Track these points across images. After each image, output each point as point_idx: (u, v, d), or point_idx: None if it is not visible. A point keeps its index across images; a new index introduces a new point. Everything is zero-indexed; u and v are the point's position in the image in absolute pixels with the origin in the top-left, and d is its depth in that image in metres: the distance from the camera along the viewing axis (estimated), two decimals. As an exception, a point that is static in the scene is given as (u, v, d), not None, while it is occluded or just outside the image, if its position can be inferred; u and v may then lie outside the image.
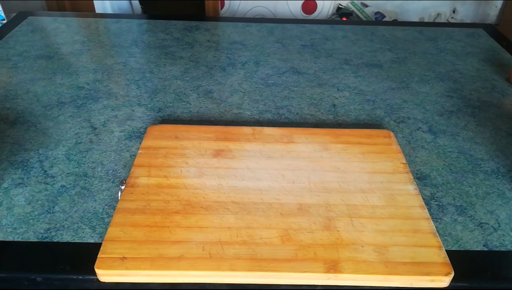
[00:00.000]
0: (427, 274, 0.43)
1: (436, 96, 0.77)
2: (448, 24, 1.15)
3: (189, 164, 0.56)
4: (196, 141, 0.60)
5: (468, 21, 1.95)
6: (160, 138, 0.60)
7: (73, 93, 0.74)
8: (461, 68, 0.86)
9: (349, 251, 0.45)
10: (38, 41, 0.92)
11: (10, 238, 0.48)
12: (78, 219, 0.50)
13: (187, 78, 0.80)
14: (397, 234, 0.47)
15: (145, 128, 0.65)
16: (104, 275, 0.43)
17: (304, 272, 0.43)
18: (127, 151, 0.61)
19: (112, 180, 0.56)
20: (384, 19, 1.92)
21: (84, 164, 0.58)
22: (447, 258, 0.44)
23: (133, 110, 0.70)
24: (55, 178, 0.56)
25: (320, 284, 0.44)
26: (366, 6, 2.02)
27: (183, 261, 0.43)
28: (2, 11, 1.09)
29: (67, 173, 0.57)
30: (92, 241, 0.48)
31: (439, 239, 0.47)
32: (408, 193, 0.52)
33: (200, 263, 0.43)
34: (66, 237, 0.48)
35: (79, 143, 0.62)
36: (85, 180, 0.56)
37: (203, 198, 0.51)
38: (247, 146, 0.59)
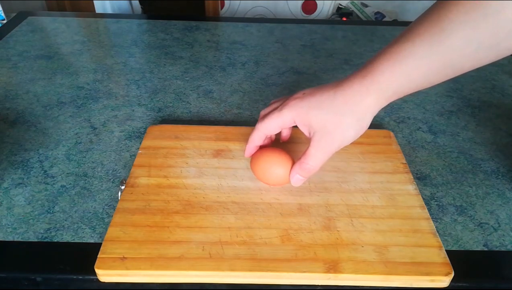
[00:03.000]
0: (427, 274, 0.43)
1: (436, 96, 0.77)
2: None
3: (189, 164, 0.56)
4: (196, 141, 0.60)
5: (468, 21, 1.94)
6: (160, 138, 0.60)
7: (73, 93, 0.74)
8: (461, 68, 0.86)
9: (349, 251, 0.45)
10: (38, 41, 0.92)
11: (10, 238, 0.48)
12: (78, 219, 0.50)
13: (187, 78, 0.80)
14: (397, 234, 0.47)
15: (145, 128, 0.65)
16: (104, 275, 0.43)
17: (304, 272, 0.43)
18: (127, 151, 0.61)
19: (112, 180, 0.56)
20: (384, 19, 1.92)
21: (84, 164, 0.58)
22: (447, 258, 0.44)
23: (133, 110, 0.70)
24: (55, 178, 0.56)
25: (320, 284, 0.44)
26: (366, 6, 2.02)
27: (183, 261, 0.43)
28: (2, 11, 1.10)
29: (67, 173, 0.57)
30: (92, 241, 0.48)
31: (439, 239, 0.47)
32: (408, 193, 0.52)
33: (200, 263, 0.43)
34: (66, 237, 0.48)
35: (79, 143, 0.62)
36: (85, 180, 0.56)
37: (203, 198, 0.51)
38: (247, 145, 0.59)
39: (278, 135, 0.56)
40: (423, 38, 0.39)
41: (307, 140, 0.60)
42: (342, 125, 0.44)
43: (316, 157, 0.46)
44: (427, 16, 0.40)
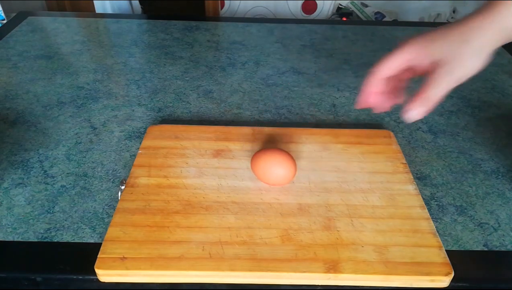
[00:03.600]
0: (427, 274, 0.43)
1: (436, 96, 0.77)
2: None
3: (189, 164, 0.56)
4: (196, 141, 0.60)
5: (468, 21, 1.94)
6: (160, 138, 0.60)
7: (73, 93, 0.74)
8: (461, 68, 0.86)
9: (349, 251, 0.45)
10: (38, 41, 0.92)
11: (10, 238, 0.48)
12: (78, 219, 0.50)
13: (187, 78, 0.80)
14: (397, 234, 0.47)
15: (145, 128, 0.65)
16: (104, 275, 0.43)
17: (304, 272, 0.43)
18: (127, 151, 0.61)
19: (112, 180, 0.56)
20: (384, 19, 1.91)
21: (84, 164, 0.58)
22: (447, 258, 0.44)
23: (133, 110, 0.70)
24: (55, 178, 0.56)
25: (320, 284, 0.44)
26: (366, 6, 2.02)
27: (183, 261, 0.43)
28: (2, 11, 1.09)
29: (67, 173, 0.57)
30: (92, 241, 0.48)
31: (439, 239, 0.47)
32: (408, 193, 0.52)
33: (200, 263, 0.43)
34: (66, 237, 0.48)
35: (79, 143, 0.62)
36: (85, 180, 0.56)
37: (203, 198, 0.51)
38: (247, 145, 0.59)
39: (277, 138, 0.56)
40: None
41: (308, 141, 0.60)
42: (461, 56, 0.44)
43: (435, 88, 0.45)
44: None
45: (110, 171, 0.57)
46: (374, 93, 0.49)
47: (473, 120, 0.70)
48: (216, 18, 1.52)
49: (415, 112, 0.46)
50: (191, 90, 0.77)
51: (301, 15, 2.12)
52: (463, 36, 0.44)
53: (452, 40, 0.44)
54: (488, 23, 0.43)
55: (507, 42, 0.44)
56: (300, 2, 2.09)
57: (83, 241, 0.48)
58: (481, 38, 0.44)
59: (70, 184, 0.55)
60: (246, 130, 0.62)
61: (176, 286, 0.44)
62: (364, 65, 0.87)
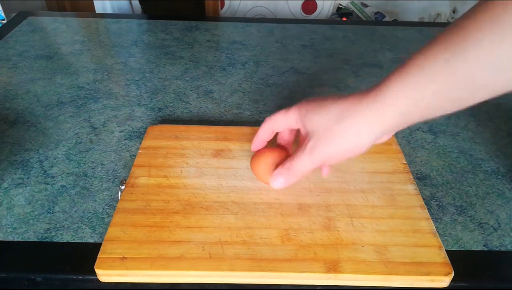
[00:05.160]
0: (427, 274, 0.43)
1: (436, 96, 0.77)
2: (448, 24, 1.15)
3: (189, 164, 0.56)
4: (196, 142, 0.60)
5: (468, 21, 1.95)
6: (160, 138, 0.60)
7: (73, 93, 0.74)
8: (461, 68, 0.86)
9: (349, 251, 0.45)
10: (38, 41, 0.92)
11: (10, 238, 0.48)
12: (78, 219, 0.50)
13: (187, 78, 0.80)
14: (397, 234, 0.47)
15: (145, 128, 0.65)
16: (104, 275, 0.43)
17: (304, 272, 0.43)
18: (127, 151, 0.61)
19: (112, 180, 0.56)
20: (384, 19, 1.92)
21: (84, 164, 0.58)
22: (447, 258, 0.44)
23: (133, 110, 0.70)
24: (55, 178, 0.56)
25: (320, 284, 0.44)
26: (366, 6, 2.02)
27: (183, 261, 0.43)
28: (2, 11, 1.10)
29: (67, 173, 0.57)
30: (92, 241, 0.48)
31: (439, 239, 0.47)
32: (408, 193, 0.52)
33: (200, 263, 0.43)
34: (66, 237, 0.48)
35: (79, 143, 0.62)
36: (85, 180, 0.56)
37: (203, 198, 0.51)
38: (247, 145, 0.59)
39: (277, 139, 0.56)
40: (439, 51, 0.35)
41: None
42: (334, 134, 0.42)
43: (302, 162, 0.45)
44: (449, 27, 0.36)
45: (110, 171, 0.57)
46: (264, 140, 0.52)
47: (473, 120, 0.71)
48: (216, 18, 1.52)
49: (280, 180, 0.47)
50: (191, 90, 0.77)
51: (301, 15, 2.12)
52: (339, 116, 0.41)
53: (327, 117, 0.42)
54: (370, 104, 0.39)
55: (396, 126, 0.40)
56: (300, 2, 2.09)
57: (83, 241, 0.48)
58: (361, 120, 0.40)
59: (70, 184, 0.55)
60: (246, 130, 0.62)
61: (176, 286, 0.44)
62: (364, 65, 0.87)
